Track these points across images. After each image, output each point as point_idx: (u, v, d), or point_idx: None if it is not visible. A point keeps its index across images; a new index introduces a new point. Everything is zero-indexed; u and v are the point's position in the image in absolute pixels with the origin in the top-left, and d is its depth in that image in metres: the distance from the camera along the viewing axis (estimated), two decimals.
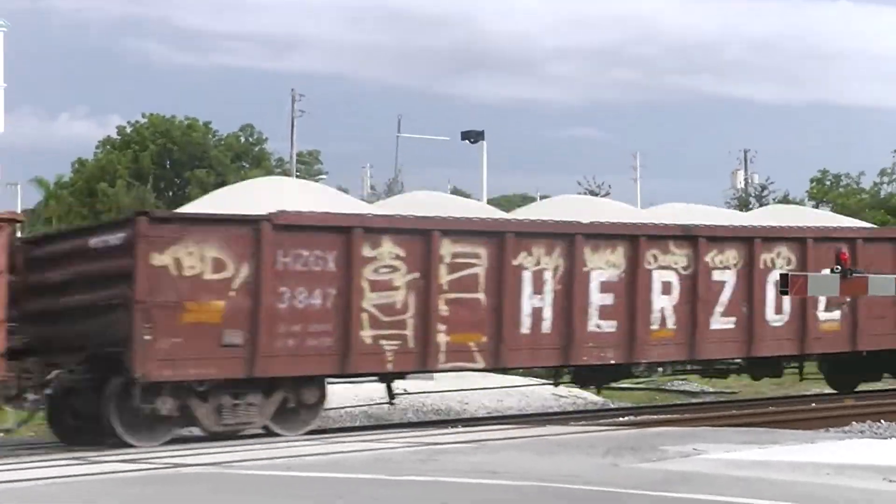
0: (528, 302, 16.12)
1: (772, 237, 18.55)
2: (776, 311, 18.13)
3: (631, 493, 8.37)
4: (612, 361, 17.01)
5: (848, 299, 16.50)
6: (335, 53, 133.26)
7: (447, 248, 15.53)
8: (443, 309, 15.48)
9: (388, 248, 15.21)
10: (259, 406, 14.71)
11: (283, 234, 14.63)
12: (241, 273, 14.30)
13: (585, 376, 18.04)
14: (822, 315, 18.36)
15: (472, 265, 15.74)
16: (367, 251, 15.01)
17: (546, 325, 16.32)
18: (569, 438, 12.80)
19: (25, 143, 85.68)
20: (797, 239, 18.50)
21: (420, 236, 15.48)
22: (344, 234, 15.01)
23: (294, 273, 14.63)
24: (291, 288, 14.57)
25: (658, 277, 17.05)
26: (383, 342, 15.14)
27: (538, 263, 16.18)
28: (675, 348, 17.49)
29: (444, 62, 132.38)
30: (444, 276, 15.49)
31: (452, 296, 15.56)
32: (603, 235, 16.90)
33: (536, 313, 16.20)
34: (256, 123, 50.70)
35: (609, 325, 16.76)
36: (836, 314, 18.41)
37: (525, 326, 16.16)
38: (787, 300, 17.66)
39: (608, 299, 16.71)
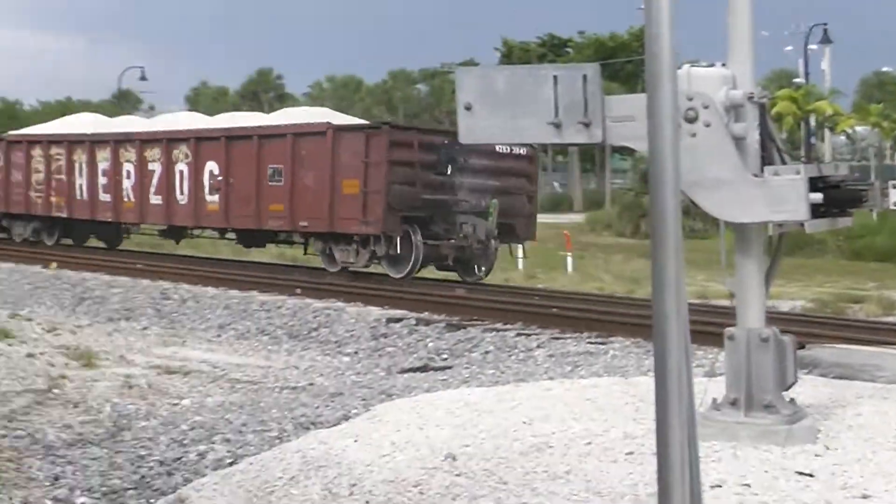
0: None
1: (176, 138, 24.51)
2: (180, 193, 23.89)
3: None
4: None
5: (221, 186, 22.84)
6: None
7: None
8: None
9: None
10: None
11: None
12: None
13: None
14: (208, 198, 23.25)
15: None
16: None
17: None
18: None
19: None
20: (194, 139, 23.99)
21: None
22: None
23: None
24: None
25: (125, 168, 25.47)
26: None
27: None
28: (132, 215, 25.62)
29: None
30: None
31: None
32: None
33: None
34: None
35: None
36: (216, 197, 23.08)
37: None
38: (186, 185, 23.67)
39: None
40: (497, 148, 20.79)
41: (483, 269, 21.42)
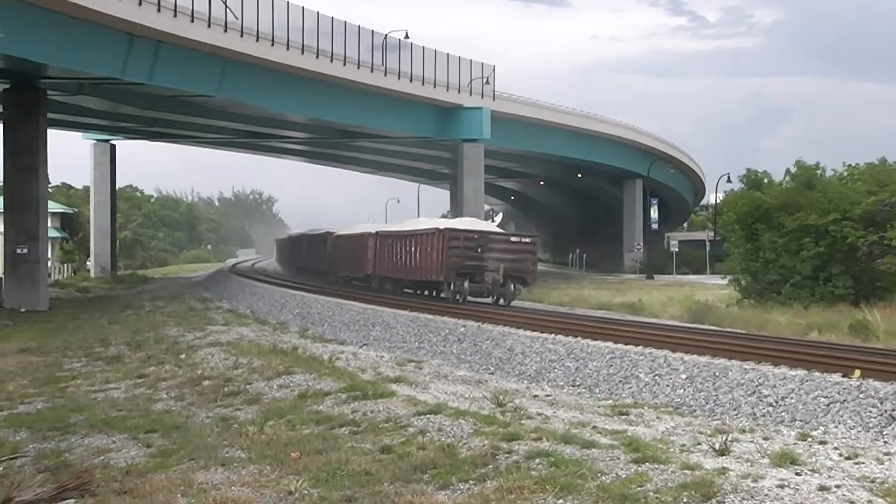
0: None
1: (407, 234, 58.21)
2: (412, 261, 56.29)
3: None
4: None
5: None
6: None
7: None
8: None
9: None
10: None
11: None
12: None
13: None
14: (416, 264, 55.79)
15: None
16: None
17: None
18: None
19: None
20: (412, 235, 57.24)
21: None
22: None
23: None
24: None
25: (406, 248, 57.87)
26: None
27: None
28: (399, 273, 59.50)
29: None
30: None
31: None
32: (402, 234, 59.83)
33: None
34: None
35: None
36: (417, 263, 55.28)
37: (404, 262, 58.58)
38: (412, 257, 56.19)
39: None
40: (511, 238, 52.66)
41: (503, 299, 51.20)
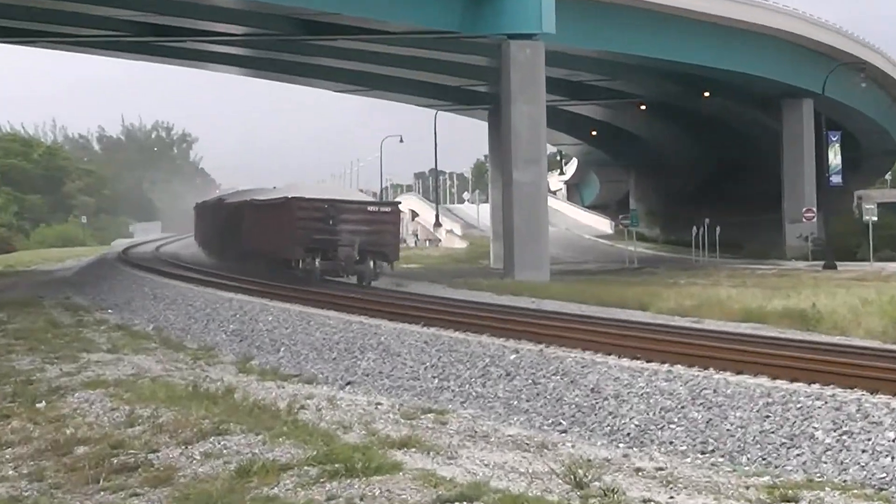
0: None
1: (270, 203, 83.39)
2: (267, 233, 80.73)
3: None
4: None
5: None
6: None
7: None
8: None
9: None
10: None
11: None
12: None
13: None
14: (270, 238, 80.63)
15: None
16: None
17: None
18: None
19: None
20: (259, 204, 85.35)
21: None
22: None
23: None
24: None
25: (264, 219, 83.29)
26: None
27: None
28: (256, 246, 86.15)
29: None
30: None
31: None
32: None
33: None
34: None
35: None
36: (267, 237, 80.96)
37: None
38: (264, 230, 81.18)
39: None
40: (368, 207, 76.60)
41: (362, 279, 70.08)
